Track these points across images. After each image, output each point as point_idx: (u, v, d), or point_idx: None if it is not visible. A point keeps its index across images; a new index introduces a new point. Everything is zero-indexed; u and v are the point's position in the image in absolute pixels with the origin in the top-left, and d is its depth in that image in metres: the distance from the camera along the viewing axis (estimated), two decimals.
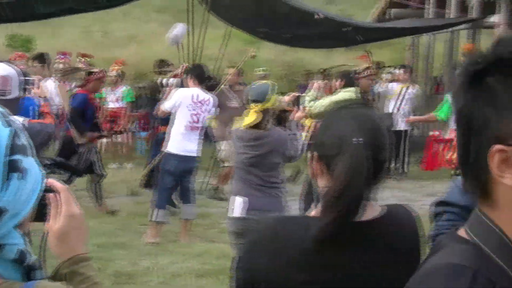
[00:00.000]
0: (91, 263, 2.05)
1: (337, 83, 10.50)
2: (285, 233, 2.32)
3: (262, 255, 2.32)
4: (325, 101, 10.00)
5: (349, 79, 10.39)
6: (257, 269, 2.33)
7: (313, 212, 2.39)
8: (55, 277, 1.99)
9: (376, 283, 2.30)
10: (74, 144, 10.99)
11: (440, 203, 2.81)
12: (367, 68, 11.95)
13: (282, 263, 2.28)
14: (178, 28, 12.36)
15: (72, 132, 11.10)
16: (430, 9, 20.19)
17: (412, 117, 14.04)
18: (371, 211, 2.31)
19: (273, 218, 2.54)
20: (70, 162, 10.57)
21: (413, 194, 13.25)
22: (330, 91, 10.84)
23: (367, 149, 2.21)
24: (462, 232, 1.51)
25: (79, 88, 11.60)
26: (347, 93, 10.01)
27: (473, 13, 17.56)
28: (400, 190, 13.38)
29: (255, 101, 6.58)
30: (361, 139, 2.22)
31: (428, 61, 21.89)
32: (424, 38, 21.96)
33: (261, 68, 18.03)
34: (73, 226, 2.00)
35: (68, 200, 2.00)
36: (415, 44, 22.66)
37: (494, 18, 16.28)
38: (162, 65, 13.55)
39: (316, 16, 14.84)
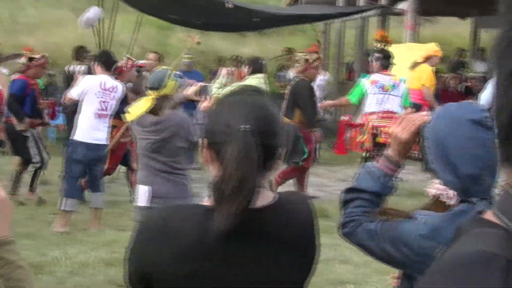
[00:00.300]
0: (15, 247, 2.02)
1: (246, 69, 10.50)
2: (174, 224, 2.29)
3: (151, 246, 2.29)
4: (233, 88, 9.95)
5: (257, 66, 10.39)
6: (146, 260, 2.31)
7: (206, 200, 2.36)
8: None
9: (266, 273, 2.29)
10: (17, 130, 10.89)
11: (349, 190, 2.83)
12: (318, 58, 11.98)
13: (170, 255, 2.25)
14: (91, 11, 12.19)
15: (12, 119, 10.95)
16: None
17: (325, 102, 14.12)
18: (262, 198, 2.30)
19: (165, 207, 2.50)
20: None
21: (325, 179, 13.38)
22: (240, 77, 10.85)
23: (256, 136, 2.20)
24: (489, 216, 1.34)
25: (20, 74, 11.40)
26: (255, 80, 10.00)
27: (382, 1, 17.78)
28: (313, 176, 13.43)
29: (152, 88, 6.54)
30: (248, 126, 2.20)
31: (340, 48, 22.13)
32: (336, 25, 22.18)
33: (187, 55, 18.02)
34: None
35: None
36: (327, 31, 22.89)
37: (403, 5, 16.52)
38: (81, 52, 13.33)
39: (226, 5, 14.85)
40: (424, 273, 2.51)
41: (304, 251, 2.37)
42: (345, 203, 2.85)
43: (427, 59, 13.48)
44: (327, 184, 12.83)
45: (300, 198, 2.52)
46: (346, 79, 22.07)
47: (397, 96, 10.80)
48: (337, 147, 11.67)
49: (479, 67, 21.88)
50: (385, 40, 11.62)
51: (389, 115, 10.45)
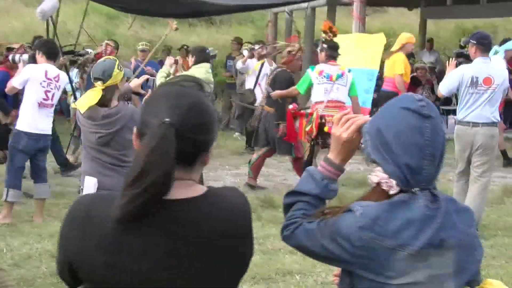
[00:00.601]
0: None
1: (190, 59, 10.45)
2: (95, 213, 2.27)
3: (74, 236, 2.28)
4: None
5: (201, 55, 10.34)
6: (70, 250, 2.30)
7: None
8: None
9: (183, 266, 2.25)
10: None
11: (290, 193, 2.81)
12: (300, 49, 12.06)
13: (89, 244, 2.23)
14: (46, 2, 11.99)
15: None
16: None
17: (274, 92, 14.16)
18: (188, 191, 2.29)
19: (90, 196, 2.46)
20: None
21: (275, 170, 13.39)
22: (187, 67, 10.81)
23: (178, 129, 2.20)
24: None
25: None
26: (200, 69, 9.98)
27: None
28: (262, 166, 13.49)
29: (98, 78, 6.44)
30: (168, 119, 2.20)
31: (289, 37, 22.12)
32: (284, 14, 22.21)
33: (143, 43, 17.96)
34: None
35: None
36: (276, 21, 22.93)
37: None
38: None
39: None
40: (366, 267, 2.51)
41: (232, 247, 2.33)
42: (287, 206, 2.84)
43: (402, 47, 13.61)
44: (275, 174, 12.86)
45: (234, 193, 2.47)
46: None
47: (343, 85, 10.84)
48: (288, 136, 11.73)
49: (427, 58, 22.05)
50: (332, 31, 11.72)
51: (335, 104, 10.53)
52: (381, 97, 14.22)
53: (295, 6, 20.37)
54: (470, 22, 28.65)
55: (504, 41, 14.31)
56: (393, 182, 2.53)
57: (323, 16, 19.41)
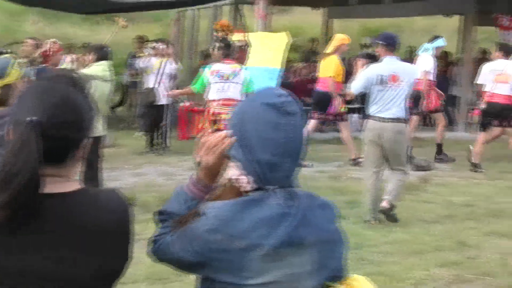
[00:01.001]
0: None
1: (90, 57, 10.33)
2: None
3: None
4: None
5: (101, 53, 10.26)
6: None
7: None
8: None
9: (57, 258, 2.20)
10: None
11: (160, 213, 2.73)
12: (246, 44, 12.10)
13: None
14: None
15: None
16: None
17: (174, 91, 14.15)
18: (58, 187, 2.23)
19: None
20: None
21: (175, 168, 13.27)
22: (83, 65, 10.69)
23: (45, 127, 2.14)
24: None
25: None
26: (98, 67, 9.89)
27: None
28: (163, 165, 13.40)
29: None
30: (34, 117, 2.14)
31: (193, 36, 22.07)
32: (189, 13, 22.14)
33: (53, 40, 17.61)
34: None
35: None
36: (180, 19, 22.82)
37: None
38: None
39: None
40: (222, 270, 2.44)
41: (105, 243, 2.27)
42: (157, 224, 2.78)
43: (337, 49, 13.76)
44: (176, 173, 12.74)
45: (109, 193, 2.43)
46: (200, 67, 22.08)
47: (237, 83, 11.02)
48: (179, 133, 11.80)
49: None
50: (227, 29, 11.81)
51: (229, 102, 10.73)
52: (316, 97, 14.43)
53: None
54: (375, 21, 29.07)
55: (434, 38, 14.77)
56: (249, 179, 2.47)
57: (228, 14, 19.39)
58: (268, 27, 16.37)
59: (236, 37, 12.83)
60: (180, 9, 22.16)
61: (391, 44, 9.49)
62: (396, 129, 9.27)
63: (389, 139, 9.24)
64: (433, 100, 14.32)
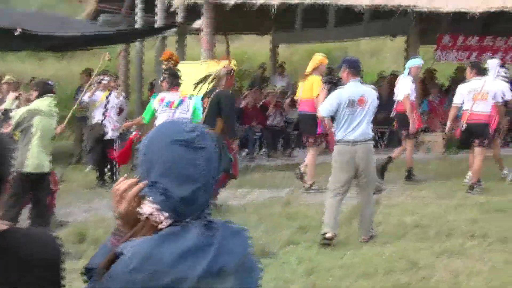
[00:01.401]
0: None
1: (34, 93, 10.24)
2: None
3: None
4: (21, 111, 9.84)
5: (45, 88, 10.17)
6: None
7: None
8: None
9: None
10: None
11: (86, 269, 2.66)
12: (232, 70, 12.33)
13: None
14: None
15: None
16: (138, 16, 20.23)
17: (126, 123, 14.10)
18: None
19: None
20: None
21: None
22: (28, 100, 10.62)
23: None
24: None
25: None
26: (42, 102, 9.83)
27: (179, 19, 17.79)
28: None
29: None
30: None
31: (140, 68, 22.02)
32: (135, 44, 22.08)
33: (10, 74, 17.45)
34: None
35: None
36: (127, 51, 22.78)
37: (198, 23, 16.57)
38: None
39: (16, 32, 14.50)
40: None
41: (35, 284, 2.26)
42: (85, 282, 2.72)
43: (315, 69, 13.85)
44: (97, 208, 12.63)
45: (42, 234, 2.42)
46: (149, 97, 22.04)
47: (185, 112, 11.19)
48: (119, 157, 11.91)
49: (278, 82, 22.38)
50: (173, 59, 11.92)
51: None
52: (301, 120, 14.62)
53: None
54: (322, 45, 29.24)
55: (412, 57, 15.24)
56: (165, 214, 2.43)
57: (173, 44, 19.38)
58: (212, 55, 16.31)
59: (221, 64, 12.87)
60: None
61: (355, 68, 9.86)
62: (368, 148, 9.70)
63: (362, 158, 9.60)
64: (417, 121, 14.59)
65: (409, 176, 14.66)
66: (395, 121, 14.93)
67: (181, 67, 12.90)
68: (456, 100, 13.88)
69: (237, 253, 2.47)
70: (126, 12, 21.33)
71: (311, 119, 13.56)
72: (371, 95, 9.87)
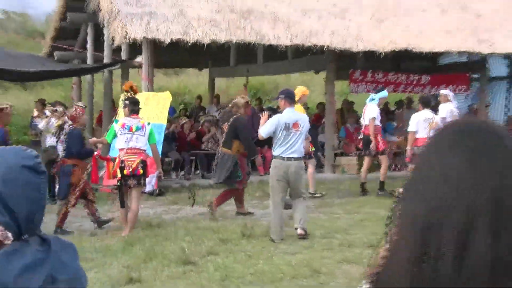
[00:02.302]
0: None
1: None
2: None
3: None
4: None
5: None
6: None
7: None
8: None
9: None
10: None
11: None
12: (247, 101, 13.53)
13: None
14: None
15: None
16: (88, 52, 20.30)
17: (92, 139, 14.07)
18: None
19: None
20: None
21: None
22: None
23: None
24: None
25: None
26: None
27: (123, 55, 17.82)
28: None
29: None
30: None
31: (92, 97, 22.04)
32: (87, 77, 22.08)
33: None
34: None
35: None
36: (80, 83, 22.80)
37: (139, 59, 16.61)
38: None
39: None
40: None
41: None
42: None
43: (299, 99, 13.94)
44: (73, 221, 12.55)
45: None
46: (97, 125, 22.04)
47: (142, 135, 11.47)
48: (91, 177, 12.11)
49: (214, 111, 22.50)
50: (133, 89, 12.34)
51: (134, 151, 11.33)
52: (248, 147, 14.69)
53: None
54: (257, 78, 29.48)
55: (380, 89, 15.41)
56: (8, 233, 2.48)
57: (119, 77, 19.39)
58: (151, 88, 16.40)
59: (240, 95, 14.03)
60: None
61: (291, 98, 10.74)
62: (298, 166, 10.54)
63: (293, 173, 10.39)
64: (380, 143, 14.98)
65: (382, 189, 15.04)
66: (361, 142, 15.45)
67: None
68: (412, 127, 14.48)
69: (69, 265, 2.52)
70: (78, 50, 21.39)
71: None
72: (304, 120, 10.72)
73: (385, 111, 21.59)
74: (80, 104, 13.21)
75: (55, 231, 11.48)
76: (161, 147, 14.68)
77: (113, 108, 18.52)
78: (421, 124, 14.22)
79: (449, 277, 1.26)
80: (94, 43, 20.09)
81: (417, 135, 14.17)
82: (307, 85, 18.15)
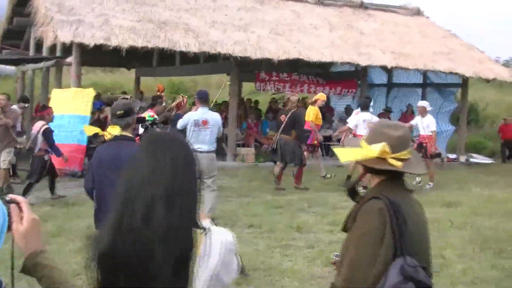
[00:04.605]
0: (48, 253, 2.03)
1: None
2: None
3: None
4: None
5: None
6: None
7: None
8: (23, 270, 1.98)
9: None
10: None
11: None
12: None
13: None
14: None
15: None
16: (31, 52, 20.26)
17: None
18: None
19: None
20: None
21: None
22: None
23: None
24: None
25: None
26: None
27: (57, 53, 17.45)
28: None
29: None
30: None
31: (32, 91, 21.51)
32: (29, 72, 21.49)
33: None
34: (33, 227, 2.00)
35: (28, 208, 2.00)
36: (23, 77, 22.30)
37: (70, 59, 16.26)
38: None
39: None
40: None
41: None
42: None
43: (315, 102, 14.91)
44: None
45: None
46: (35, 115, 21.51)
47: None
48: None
49: (137, 105, 22.18)
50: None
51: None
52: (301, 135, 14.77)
53: (33, 65, 19.86)
54: (178, 78, 29.22)
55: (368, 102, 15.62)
56: None
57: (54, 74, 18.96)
58: (79, 84, 16.12)
59: (293, 97, 14.58)
60: (22, 69, 21.49)
61: (204, 98, 10.39)
62: (209, 158, 10.20)
63: (206, 164, 9.91)
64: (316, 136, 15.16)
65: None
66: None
67: (55, 92, 12.76)
68: (351, 123, 14.63)
69: None
70: (22, 50, 21.07)
71: (307, 134, 14.88)
72: (214, 118, 10.32)
73: (271, 109, 21.81)
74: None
75: None
76: (86, 137, 14.41)
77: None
78: (361, 124, 14.22)
79: (139, 229, 1.69)
80: (36, 46, 19.73)
81: (357, 132, 14.06)
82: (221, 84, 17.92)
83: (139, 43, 15.80)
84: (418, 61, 20.03)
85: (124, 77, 31.22)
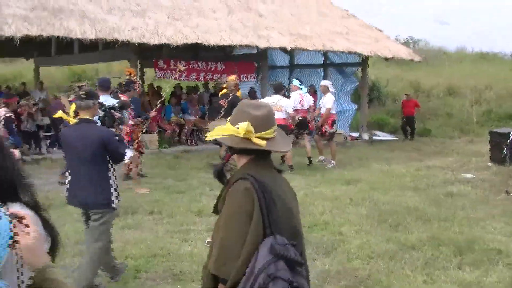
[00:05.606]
0: (54, 269, 2.01)
1: None
2: None
3: None
4: None
5: None
6: None
7: None
8: (33, 285, 1.93)
9: None
10: None
11: None
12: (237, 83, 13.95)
13: None
14: None
15: None
16: None
17: None
18: None
19: None
20: None
21: None
22: None
23: None
24: None
25: None
26: None
27: None
28: None
29: None
30: None
31: None
32: None
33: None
34: (40, 240, 1.94)
35: (33, 223, 1.93)
36: None
37: None
38: None
39: None
40: None
41: None
42: None
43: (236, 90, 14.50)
44: None
45: None
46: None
47: None
48: None
49: (38, 95, 21.60)
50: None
51: None
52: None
53: None
54: (81, 66, 28.54)
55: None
56: None
57: None
58: None
59: (230, 78, 14.19)
60: None
61: (104, 86, 10.20)
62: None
63: None
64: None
65: (310, 162, 15.32)
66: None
67: None
68: None
69: None
70: None
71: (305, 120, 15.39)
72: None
73: (175, 95, 21.63)
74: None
75: None
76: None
77: None
78: None
79: None
80: None
81: None
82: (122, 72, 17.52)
83: (33, 32, 15.24)
84: (317, 42, 20.29)
85: (25, 66, 30.20)
